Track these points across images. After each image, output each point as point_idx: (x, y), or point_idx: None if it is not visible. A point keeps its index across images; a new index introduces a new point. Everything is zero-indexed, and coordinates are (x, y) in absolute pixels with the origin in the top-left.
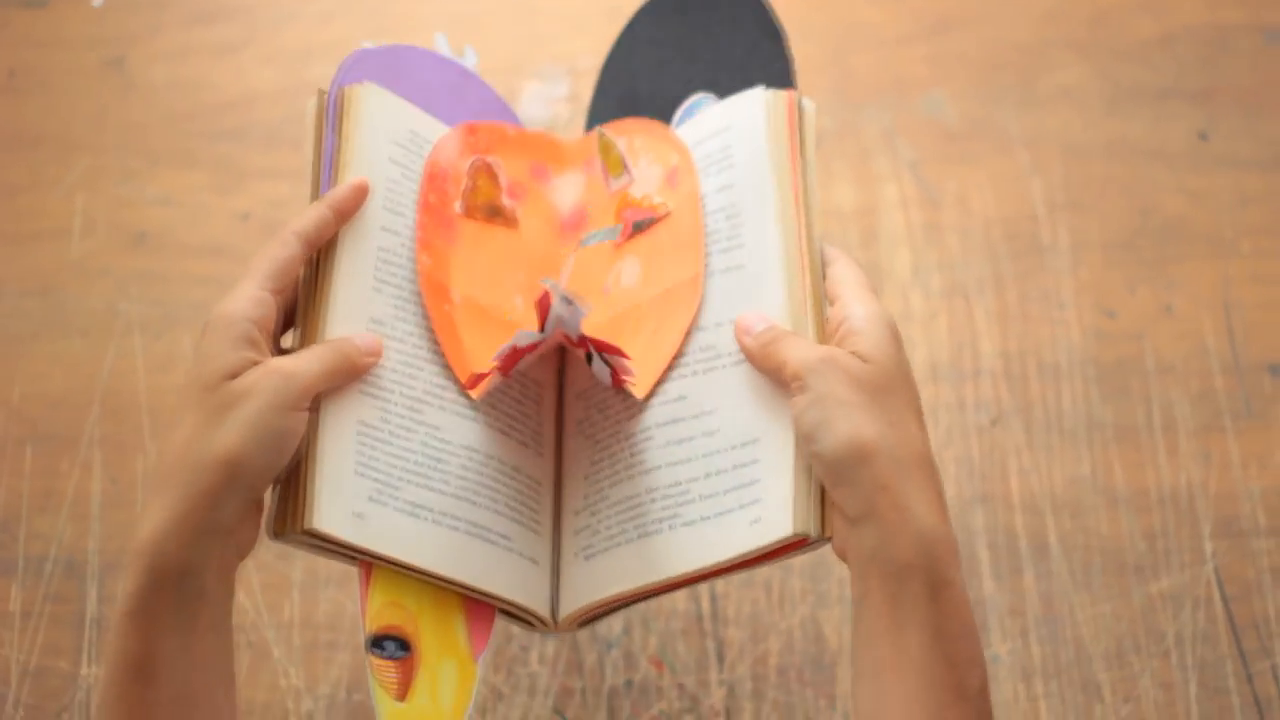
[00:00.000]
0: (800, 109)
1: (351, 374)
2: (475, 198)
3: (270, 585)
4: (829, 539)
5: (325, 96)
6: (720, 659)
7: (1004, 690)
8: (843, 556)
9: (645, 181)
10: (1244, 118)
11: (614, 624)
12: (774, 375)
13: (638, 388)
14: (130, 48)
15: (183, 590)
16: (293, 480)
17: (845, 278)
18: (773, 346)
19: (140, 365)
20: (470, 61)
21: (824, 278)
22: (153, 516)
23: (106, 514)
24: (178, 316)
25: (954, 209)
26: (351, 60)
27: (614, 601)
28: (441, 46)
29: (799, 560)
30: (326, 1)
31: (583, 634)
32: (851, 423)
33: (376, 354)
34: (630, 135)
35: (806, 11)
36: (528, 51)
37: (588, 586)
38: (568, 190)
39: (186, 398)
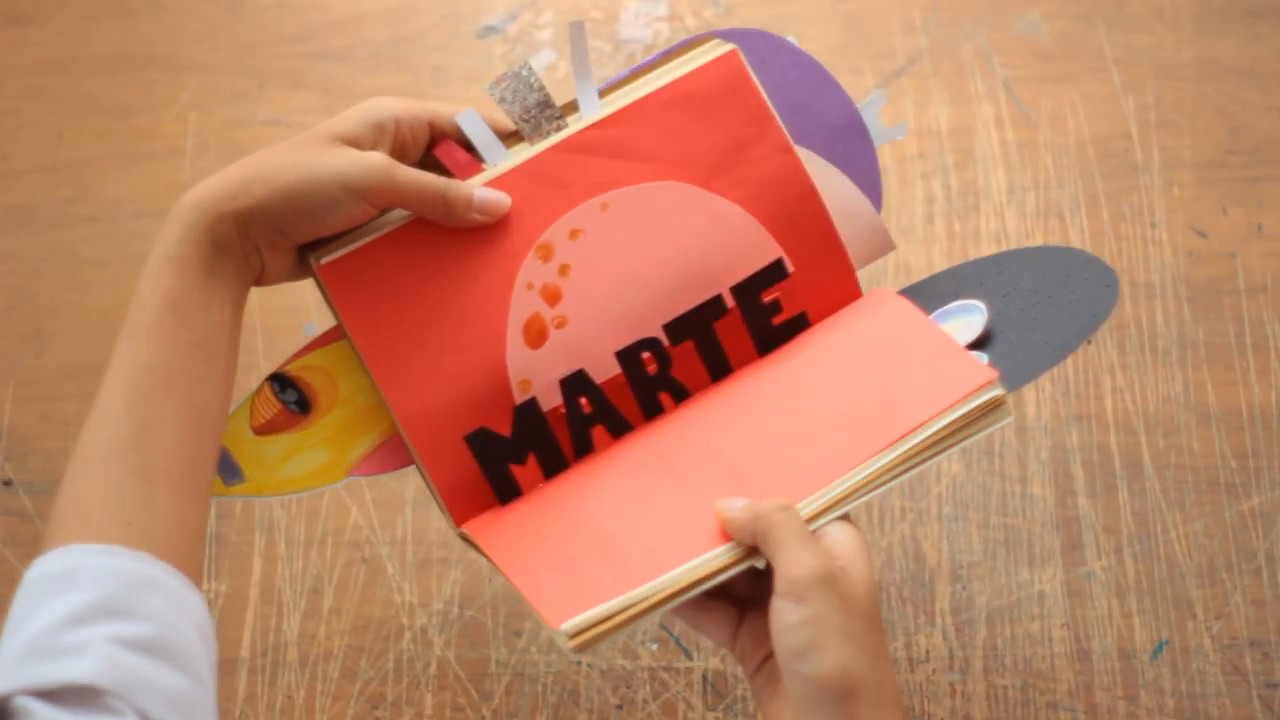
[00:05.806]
0: (994, 414)
1: (445, 216)
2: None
3: (383, 502)
4: None
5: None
6: None
7: (1099, 606)
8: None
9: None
10: None
11: None
12: (760, 545)
13: None
14: None
15: (215, 257)
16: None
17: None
18: (765, 529)
19: None
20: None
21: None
22: (210, 184)
23: None
24: None
25: (1049, 128)
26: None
27: None
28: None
29: None
30: None
31: None
32: (843, 654)
33: (486, 212)
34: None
35: None
36: None
37: None
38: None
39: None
